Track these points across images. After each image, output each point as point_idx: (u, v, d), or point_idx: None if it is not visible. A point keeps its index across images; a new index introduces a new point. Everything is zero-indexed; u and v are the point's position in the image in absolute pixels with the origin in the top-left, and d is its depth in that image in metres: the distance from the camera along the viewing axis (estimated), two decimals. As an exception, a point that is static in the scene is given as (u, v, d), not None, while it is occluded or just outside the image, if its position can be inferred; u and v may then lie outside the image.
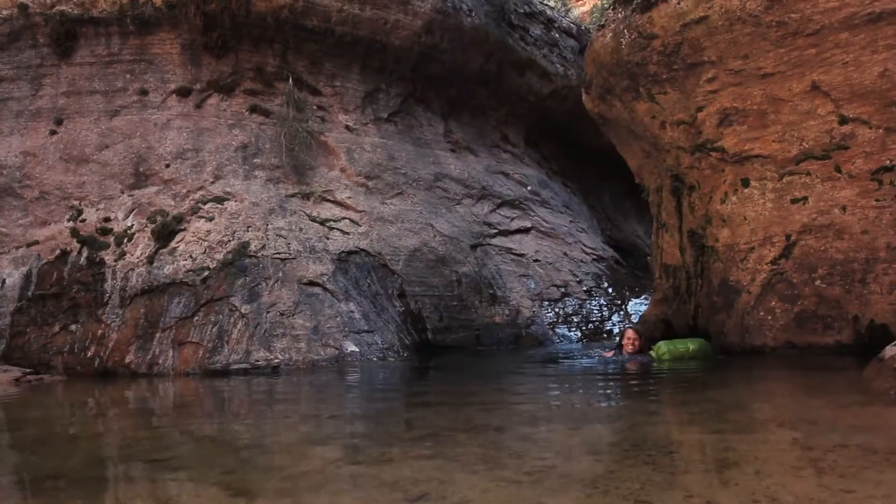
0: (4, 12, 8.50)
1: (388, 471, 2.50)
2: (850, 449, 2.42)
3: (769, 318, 5.81)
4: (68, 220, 8.02)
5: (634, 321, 9.39)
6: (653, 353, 6.18)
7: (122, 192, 8.21)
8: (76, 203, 8.14)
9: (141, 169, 8.31)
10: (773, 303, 5.82)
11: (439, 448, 2.84)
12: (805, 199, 5.77)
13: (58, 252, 7.82)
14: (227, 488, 2.39)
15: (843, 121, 5.56)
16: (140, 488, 2.55)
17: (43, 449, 3.43)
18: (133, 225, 7.94)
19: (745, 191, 6.19)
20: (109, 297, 7.49)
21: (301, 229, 8.22)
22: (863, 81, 5.41)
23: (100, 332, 7.34)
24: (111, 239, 7.86)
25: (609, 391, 4.68)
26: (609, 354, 6.83)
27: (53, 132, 8.45)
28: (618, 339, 7.21)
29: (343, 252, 8.27)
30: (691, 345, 6.18)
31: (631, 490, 2.05)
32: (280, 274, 7.60)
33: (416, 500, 2.09)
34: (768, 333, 5.79)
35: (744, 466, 2.26)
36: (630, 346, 6.60)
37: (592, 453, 2.71)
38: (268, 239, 7.87)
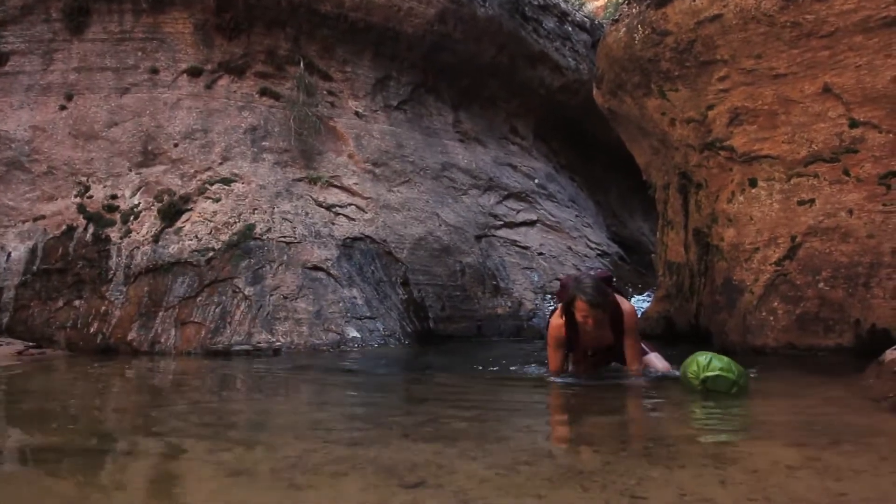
0: (18, -14, 8.49)
1: (386, 455, 2.52)
2: (846, 452, 2.43)
3: (771, 318, 5.81)
4: (75, 196, 8.04)
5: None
6: (690, 376, 3.99)
7: (130, 170, 8.22)
8: (84, 179, 8.15)
9: (149, 147, 8.32)
10: (776, 304, 5.82)
11: (438, 435, 2.86)
12: (812, 201, 5.76)
13: (64, 227, 7.84)
14: (224, 467, 2.41)
15: (854, 124, 5.54)
16: (139, 462, 2.57)
17: (45, 421, 3.46)
18: (140, 203, 7.95)
19: (753, 191, 6.17)
20: (114, 274, 7.52)
21: (307, 214, 8.23)
22: (875, 85, 5.39)
23: (103, 308, 7.37)
24: (117, 216, 7.88)
25: (608, 386, 4.68)
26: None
27: (63, 107, 8.45)
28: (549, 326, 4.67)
29: (348, 238, 8.28)
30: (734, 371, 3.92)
31: (627, 486, 2.07)
32: (284, 257, 7.62)
33: (414, 486, 2.10)
34: (770, 334, 5.79)
35: (740, 465, 2.27)
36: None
37: (590, 444, 2.72)
38: (273, 222, 7.89)
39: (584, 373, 4.80)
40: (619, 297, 4.64)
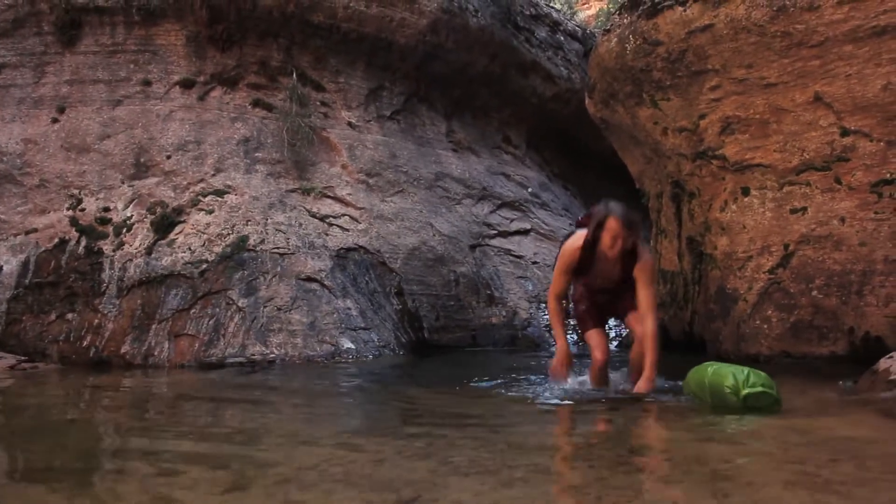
0: (9, -1, 8.49)
1: (381, 470, 2.51)
2: (843, 464, 2.43)
3: (765, 326, 5.83)
4: (68, 209, 8.01)
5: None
6: (727, 390, 3.49)
7: (123, 183, 8.19)
8: (76, 192, 8.12)
9: (142, 159, 8.30)
10: (770, 312, 5.83)
11: (433, 450, 2.84)
12: (804, 209, 5.79)
13: (56, 240, 7.80)
14: (219, 483, 2.39)
15: (845, 133, 5.57)
16: (133, 480, 2.55)
17: (38, 437, 3.43)
18: (132, 215, 7.93)
19: (745, 199, 6.20)
20: (107, 286, 7.48)
21: (300, 225, 8.22)
22: (865, 94, 5.42)
23: (96, 321, 7.33)
24: (110, 229, 7.84)
25: (601, 396, 4.68)
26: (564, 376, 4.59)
27: (55, 120, 8.43)
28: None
29: (342, 249, 8.27)
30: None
31: (622, 499, 2.06)
32: (278, 269, 7.60)
33: (409, 501, 2.09)
34: (764, 342, 5.80)
35: (736, 478, 2.27)
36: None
37: (586, 459, 2.72)
38: (267, 233, 7.87)
39: (586, 312, 4.64)
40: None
